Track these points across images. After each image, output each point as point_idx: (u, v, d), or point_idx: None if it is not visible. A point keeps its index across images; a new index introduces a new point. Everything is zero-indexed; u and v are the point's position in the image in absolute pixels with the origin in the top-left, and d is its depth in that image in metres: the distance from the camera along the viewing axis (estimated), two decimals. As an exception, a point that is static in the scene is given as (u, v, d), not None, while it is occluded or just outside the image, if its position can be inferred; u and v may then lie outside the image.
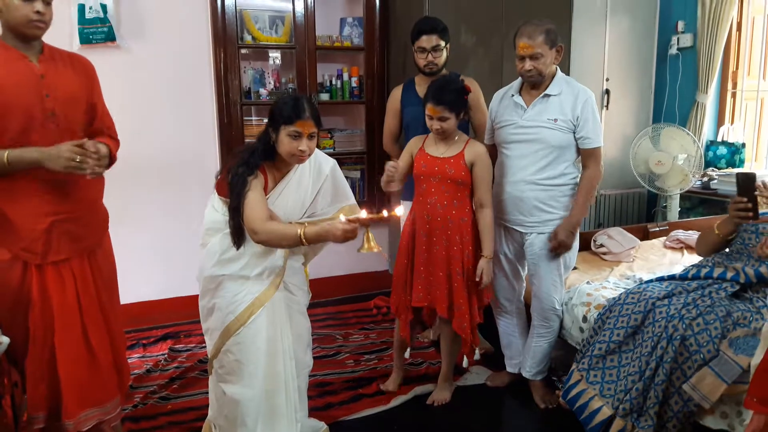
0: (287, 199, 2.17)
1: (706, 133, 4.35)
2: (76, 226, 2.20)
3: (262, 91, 3.84)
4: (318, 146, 3.88)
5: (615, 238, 3.43)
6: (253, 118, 3.89)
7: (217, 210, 2.15)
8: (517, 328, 2.92)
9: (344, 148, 4.08)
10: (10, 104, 2.01)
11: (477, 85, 3.06)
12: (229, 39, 3.62)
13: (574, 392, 2.44)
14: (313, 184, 2.23)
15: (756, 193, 2.13)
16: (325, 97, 3.96)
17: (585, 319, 2.68)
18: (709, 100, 4.22)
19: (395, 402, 2.81)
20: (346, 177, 4.06)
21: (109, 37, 3.36)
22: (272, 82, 3.90)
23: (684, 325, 2.18)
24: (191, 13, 3.59)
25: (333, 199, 2.29)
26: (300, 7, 3.73)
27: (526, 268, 2.80)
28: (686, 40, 4.33)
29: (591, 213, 4.37)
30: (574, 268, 2.98)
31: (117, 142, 2.36)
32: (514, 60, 2.55)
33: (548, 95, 2.54)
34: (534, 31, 2.45)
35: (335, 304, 4.01)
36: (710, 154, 4.34)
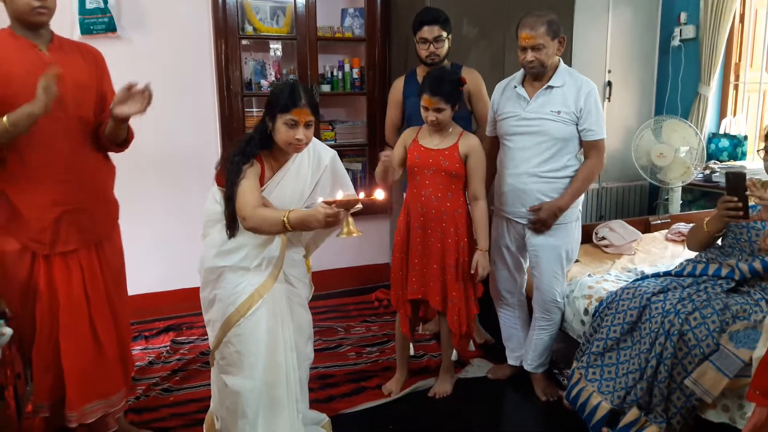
0: (285, 189, 2.16)
1: (708, 125, 4.34)
2: (84, 217, 2.20)
3: (264, 82, 3.82)
4: (319, 137, 3.90)
5: (617, 230, 3.42)
6: (254, 109, 3.88)
7: (216, 201, 2.15)
8: (519, 320, 2.92)
9: (346, 139, 4.07)
10: (20, 92, 2.02)
11: (479, 77, 3.05)
12: (230, 30, 3.61)
13: (575, 391, 2.45)
14: (312, 174, 2.22)
15: (747, 192, 2.11)
16: (326, 88, 3.95)
17: (586, 311, 2.68)
18: (711, 92, 4.21)
19: (396, 394, 2.82)
20: (348, 169, 4.08)
21: (110, 27, 3.35)
22: (273, 74, 3.88)
23: (680, 320, 2.18)
24: (192, 4, 3.57)
25: (332, 189, 2.27)
26: (301, -2, 3.71)
27: (528, 260, 2.80)
28: (689, 31, 4.31)
29: (593, 205, 4.37)
30: (576, 261, 2.97)
31: (131, 131, 2.36)
32: (516, 52, 2.54)
33: (551, 87, 2.53)
34: (536, 22, 2.43)
35: (337, 296, 4.02)
36: (712, 146, 4.33)
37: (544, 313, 2.76)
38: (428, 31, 2.89)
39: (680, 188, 3.98)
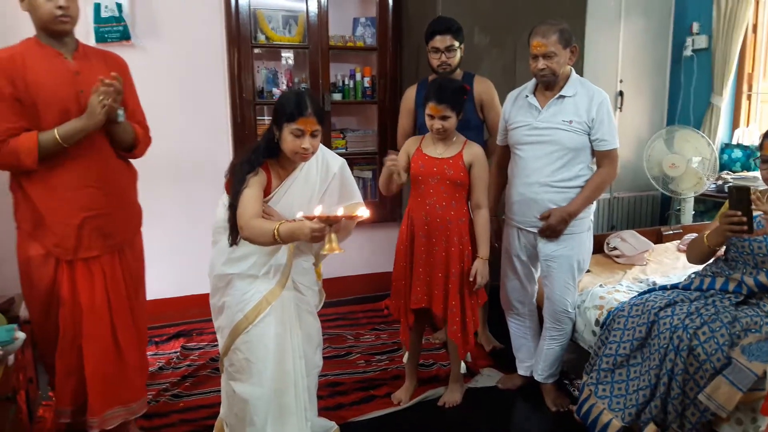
0: (293, 197, 2.16)
1: (721, 135, 4.32)
2: (107, 223, 2.23)
3: (275, 90, 3.85)
4: (330, 146, 3.91)
5: (628, 241, 3.41)
6: (266, 117, 3.90)
7: (226, 208, 2.15)
8: (530, 330, 2.91)
9: (356, 148, 4.08)
10: (48, 100, 2.06)
11: (492, 86, 3.05)
12: (242, 38, 3.64)
13: (585, 407, 2.43)
14: (321, 182, 2.22)
15: (753, 207, 2.09)
16: (337, 97, 3.97)
17: (597, 322, 2.66)
18: (724, 102, 4.19)
19: (406, 404, 2.80)
20: (358, 177, 4.10)
21: (125, 36, 3.38)
22: (285, 82, 3.90)
23: (688, 335, 2.16)
24: (205, 13, 3.60)
25: (340, 198, 2.28)
26: (313, 7, 3.73)
27: (539, 269, 2.79)
28: (701, 41, 4.29)
29: (604, 215, 4.35)
30: (587, 271, 2.96)
31: (149, 137, 2.38)
32: (528, 61, 2.54)
33: (563, 96, 2.53)
34: (548, 30, 2.44)
35: (346, 304, 4.02)
36: (725, 156, 4.30)
37: (555, 324, 2.75)
38: (440, 41, 2.90)
39: (692, 199, 3.96)
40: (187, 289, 3.74)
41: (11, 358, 2.05)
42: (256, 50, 3.78)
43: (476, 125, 3.04)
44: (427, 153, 2.59)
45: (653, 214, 4.51)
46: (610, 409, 2.34)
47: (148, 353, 3.21)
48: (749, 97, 4.31)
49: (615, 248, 3.41)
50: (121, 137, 2.24)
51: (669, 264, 3.29)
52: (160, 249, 3.65)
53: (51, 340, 2.25)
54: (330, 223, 1.80)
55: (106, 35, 3.35)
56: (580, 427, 2.52)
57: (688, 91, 4.42)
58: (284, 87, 3.88)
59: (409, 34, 3.88)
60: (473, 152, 2.55)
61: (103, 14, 3.34)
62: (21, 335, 2.08)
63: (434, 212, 2.57)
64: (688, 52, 4.38)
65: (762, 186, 2.22)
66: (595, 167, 2.61)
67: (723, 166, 4.26)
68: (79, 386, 2.25)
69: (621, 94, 4.25)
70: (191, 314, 3.67)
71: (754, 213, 2.10)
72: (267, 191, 2.12)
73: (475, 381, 3.01)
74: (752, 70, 4.28)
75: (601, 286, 2.92)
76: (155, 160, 3.31)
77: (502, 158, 2.81)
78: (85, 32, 3.29)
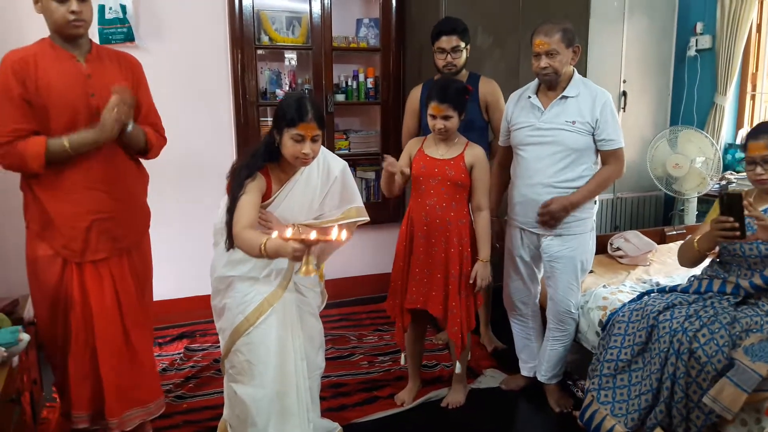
0: (294, 201, 2.16)
1: (725, 135, 4.30)
2: (116, 226, 2.24)
3: (279, 91, 3.85)
4: (333, 146, 3.91)
5: (632, 241, 3.40)
6: (269, 118, 3.90)
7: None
8: (533, 331, 2.90)
9: (360, 149, 4.08)
10: (57, 104, 2.07)
11: (497, 87, 3.05)
12: (246, 40, 3.64)
13: (588, 413, 2.42)
14: (322, 186, 2.22)
15: (746, 213, 2.08)
16: (340, 97, 3.97)
17: (601, 323, 2.66)
18: (727, 102, 4.18)
19: (409, 404, 2.80)
20: (361, 178, 4.11)
21: (128, 37, 3.39)
22: (288, 83, 3.91)
23: (688, 338, 2.15)
24: (209, 14, 3.61)
25: (340, 201, 2.28)
26: (317, 8, 3.74)
27: (542, 270, 2.79)
28: (705, 41, 4.28)
29: (607, 216, 4.34)
30: (590, 272, 2.95)
31: (163, 138, 2.39)
32: (531, 61, 2.53)
33: (566, 97, 2.52)
34: (551, 29, 2.44)
35: (349, 305, 4.02)
36: (728, 157, 4.29)
37: (559, 324, 2.75)
38: (446, 41, 2.89)
39: (696, 199, 3.94)
40: (191, 291, 3.75)
41: (15, 360, 2.06)
42: (260, 51, 3.78)
43: (480, 126, 3.03)
44: (429, 154, 2.59)
45: (656, 215, 4.49)
46: (613, 414, 2.33)
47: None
48: (753, 97, 4.30)
49: (618, 249, 3.40)
50: (132, 144, 2.25)
51: (672, 264, 3.28)
52: (163, 250, 3.65)
53: (58, 341, 2.25)
54: (307, 245, 1.74)
55: (110, 36, 3.36)
56: (583, 428, 2.52)
57: (691, 91, 4.41)
58: (287, 88, 3.89)
59: (413, 34, 3.88)
60: (475, 154, 2.55)
61: (107, 15, 3.35)
62: (25, 337, 2.09)
63: (434, 213, 2.57)
64: (691, 52, 4.37)
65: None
66: (598, 167, 2.60)
67: (726, 167, 4.24)
68: (95, 389, 2.25)
69: (624, 94, 4.24)
70: (194, 315, 3.68)
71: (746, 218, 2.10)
72: (267, 195, 2.11)
73: (478, 382, 3.01)
74: (756, 70, 4.26)
75: (604, 286, 2.91)
76: (158, 161, 3.32)
77: (504, 159, 2.81)
78: (89, 34, 3.29)
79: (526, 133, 2.60)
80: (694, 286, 2.42)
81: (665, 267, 3.25)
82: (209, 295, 2.27)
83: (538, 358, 2.88)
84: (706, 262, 2.48)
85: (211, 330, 3.44)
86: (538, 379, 2.86)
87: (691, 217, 3.97)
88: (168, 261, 3.69)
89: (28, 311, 2.53)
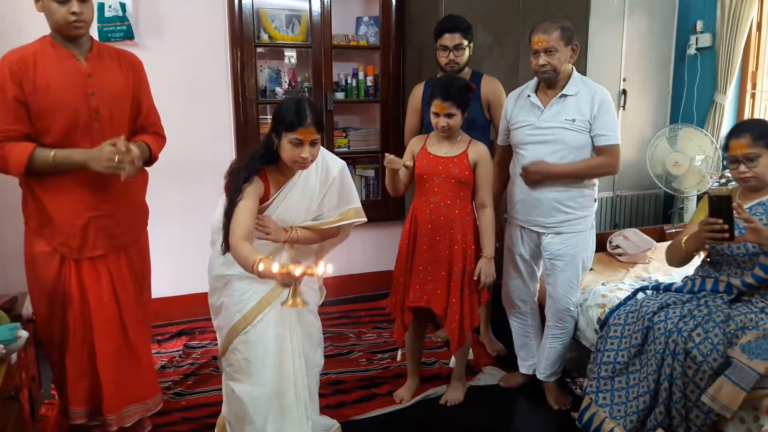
0: (292, 203, 2.15)
1: (725, 134, 4.29)
2: (113, 223, 2.24)
3: (278, 90, 3.85)
4: (333, 144, 3.91)
5: (631, 239, 3.40)
6: (269, 116, 3.90)
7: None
8: (532, 329, 2.91)
9: (359, 147, 4.08)
10: (57, 104, 2.07)
11: (500, 85, 3.04)
12: (245, 38, 3.64)
13: (587, 416, 2.42)
14: (320, 187, 2.20)
15: (735, 215, 2.09)
16: (340, 96, 3.97)
17: (599, 320, 2.66)
18: (727, 100, 4.17)
19: (408, 402, 2.81)
20: (361, 176, 4.11)
21: (128, 35, 3.39)
22: (288, 81, 3.91)
23: (683, 338, 2.15)
24: (209, 12, 3.61)
25: (339, 201, 2.26)
26: (316, 6, 3.74)
27: (542, 268, 2.79)
28: (705, 40, 4.27)
29: (607, 214, 4.34)
30: (590, 269, 2.96)
31: (162, 138, 2.40)
32: (530, 59, 2.53)
33: (565, 95, 2.52)
34: (549, 27, 2.44)
35: (348, 302, 4.02)
36: (728, 155, 4.29)
37: (558, 322, 2.75)
38: (449, 39, 2.89)
39: (695, 197, 3.94)
40: (190, 288, 3.75)
41: (14, 357, 2.06)
42: (259, 49, 3.78)
43: (482, 125, 3.02)
44: (432, 152, 2.59)
45: (656, 213, 4.49)
46: (612, 417, 2.33)
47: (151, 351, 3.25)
48: (753, 95, 4.29)
49: (618, 246, 3.41)
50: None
51: (672, 263, 3.28)
52: (163, 247, 3.66)
53: (56, 337, 2.26)
54: (293, 279, 1.70)
55: (109, 34, 3.36)
56: (582, 429, 2.52)
57: (691, 90, 4.40)
58: (287, 86, 3.89)
59: (412, 32, 3.88)
60: (478, 151, 2.55)
61: (107, 14, 3.35)
62: (24, 334, 2.09)
63: (438, 211, 2.57)
64: (691, 51, 4.36)
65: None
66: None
67: (726, 165, 4.24)
68: (93, 385, 2.26)
69: (624, 92, 4.24)
70: (193, 313, 3.68)
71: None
72: (265, 197, 2.11)
73: (477, 379, 3.01)
74: (756, 68, 4.26)
75: (603, 284, 2.92)
76: (158, 159, 3.33)
77: (503, 158, 2.81)
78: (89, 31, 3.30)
79: (526, 132, 2.60)
80: (688, 287, 2.42)
81: (664, 265, 3.22)
82: (208, 293, 2.27)
83: (537, 356, 2.88)
84: (697, 261, 2.48)
85: (210, 327, 3.43)
86: (537, 376, 2.86)
87: (690, 215, 3.97)
88: (167, 258, 3.70)
89: (27, 308, 2.53)
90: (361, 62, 4.10)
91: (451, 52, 2.90)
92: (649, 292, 2.57)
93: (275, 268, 1.70)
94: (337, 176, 2.23)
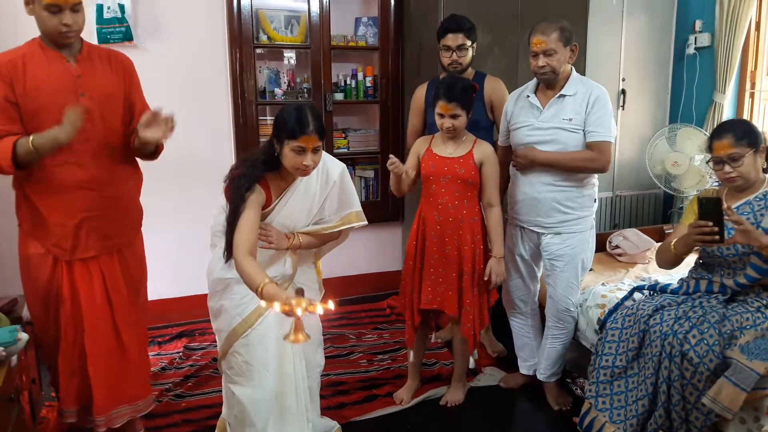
0: (293, 208, 2.15)
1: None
2: (106, 224, 2.24)
3: (277, 90, 3.85)
4: (332, 145, 3.91)
5: (630, 239, 3.40)
6: (268, 117, 3.90)
7: (225, 212, 2.12)
8: (532, 329, 2.91)
9: (358, 147, 4.08)
10: (47, 106, 2.06)
11: (503, 86, 3.02)
12: (244, 39, 3.64)
13: (587, 420, 2.42)
14: (321, 191, 2.20)
15: (725, 217, 2.09)
16: (339, 96, 3.97)
17: (599, 321, 2.66)
18: (726, 100, 4.17)
19: (408, 403, 2.81)
20: (360, 177, 4.10)
21: (127, 36, 3.39)
22: (287, 82, 3.91)
23: (678, 341, 2.15)
24: (207, 14, 3.61)
25: (339, 204, 2.26)
26: (315, 7, 3.73)
27: (542, 268, 2.79)
28: (704, 39, 4.27)
29: (607, 214, 4.34)
30: (590, 270, 2.96)
31: None
32: (529, 60, 2.53)
33: (563, 96, 2.52)
34: (548, 27, 2.43)
35: (348, 303, 4.02)
36: (728, 155, 4.28)
37: (558, 323, 2.75)
38: (452, 39, 2.87)
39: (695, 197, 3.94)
40: (190, 290, 3.75)
41: (14, 359, 2.06)
42: (258, 50, 3.78)
43: (486, 126, 3.00)
44: (438, 152, 2.59)
45: (656, 213, 4.49)
46: (612, 421, 2.33)
47: (150, 353, 3.23)
48: (752, 94, 4.29)
49: (617, 246, 3.41)
50: (148, 148, 2.25)
51: (671, 262, 3.29)
52: (163, 249, 3.66)
53: (51, 339, 2.26)
54: (296, 317, 1.70)
55: (108, 36, 3.36)
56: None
57: (690, 89, 4.40)
58: (286, 87, 3.89)
59: (411, 33, 3.87)
60: (483, 150, 2.55)
61: (106, 15, 3.35)
62: (24, 336, 2.09)
63: (446, 211, 2.57)
64: (690, 50, 4.36)
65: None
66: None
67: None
68: (84, 386, 2.26)
69: (623, 92, 4.24)
70: (194, 314, 3.67)
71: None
72: (267, 204, 2.10)
73: (477, 380, 3.01)
74: (755, 67, 4.26)
75: (603, 284, 2.92)
76: (157, 161, 3.33)
77: (503, 158, 2.80)
78: (87, 33, 3.25)
79: (525, 133, 2.60)
80: (683, 289, 2.43)
81: (664, 265, 3.25)
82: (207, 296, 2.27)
83: (537, 357, 2.88)
84: (691, 262, 2.48)
85: (210, 329, 3.40)
86: (537, 377, 2.86)
87: (690, 215, 3.97)
88: (167, 260, 3.70)
89: (27, 311, 2.53)
90: (360, 63, 4.09)
91: (454, 53, 2.89)
92: (645, 292, 2.58)
93: (277, 307, 1.69)
94: (338, 180, 2.23)
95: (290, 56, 3.97)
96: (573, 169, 2.53)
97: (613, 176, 4.27)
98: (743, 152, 2.17)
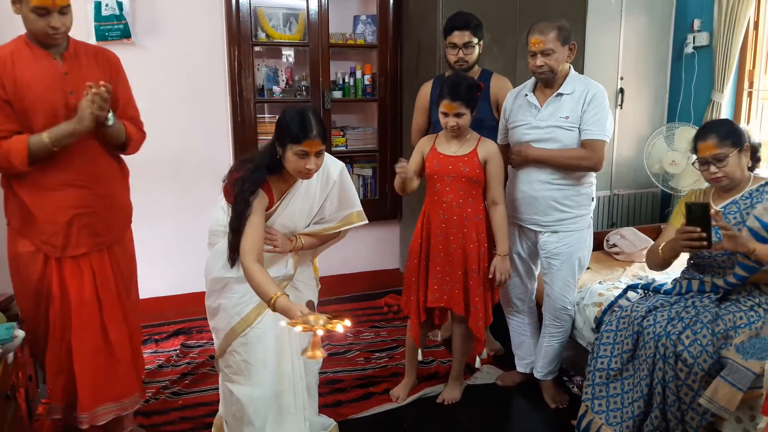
0: (294, 209, 2.15)
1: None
2: (96, 221, 2.23)
3: (276, 88, 3.85)
4: (330, 144, 3.91)
5: (628, 238, 3.41)
6: (266, 115, 3.90)
7: (224, 211, 2.13)
8: (529, 327, 2.91)
9: (357, 145, 4.08)
10: (36, 103, 2.06)
11: (509, 84, 3.00)
12: (243, 36, 3.64)
13: (584, 423, 2.43)
14: (321, 191, 2.20)
15: (713, 223, 2.10)
16: (338, 94, 3.97)
17: (596, 319, 2.67)
18: (724, 99, 4.17)
19: (404, 400, 2.81)
20: (359, 175, 4.10)
21: (125, 34, 3.39)
22: (286, 80, 3.91)
23: (672, 342, 2.16)
24: (206, 11, 3.61)
25: (339, 204, 2.26)
26: (314, 5, 3.73)
27: (539, 266, 2.79)
28: (702, 38, 4.27)
29: (604, 212, 4.35)
30: (587, 268, 2.96)
31: (141, 133, 2.36)
32: (528, 59, 2.53)
33: (561, 94, 2.52)
34: (546, 27, 2.43)
35: (346, 301, 4.02)
36: (726, 154, 4.29)
37: (555, 321, 2.75)
38: (458, 37, 2.85)
39: (693, 196, 3.95)
40: (187, 287, 3.75)
41: (11, 356, 2.06)
42: (257, 48, 3.78)
43: (490, 125, 2.95)
44: (442, 151, 2.59)
45: (653, 212, 4.50)
46: (608, 423, 2.34)
47: (147, 351, 3.25)
48: (750, 94, 4.29)
49: (614, 245, 3.41)
50: (112, 138, 2.22)
51: (669, 261, 3.29)
52: (160, 247, 3.67)
53: (42, 336, 2.26)
54: (314, 333, 1.73)
55: (106, 33, 3.35)
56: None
57: (688, 88, 4.40)
58: (284, 85, 3.88)
59: (410, 31, 3.87)
60: (488, 149, 2.55)
61: (104, 12, 3.35)
62: (20, 333, 2.09)
63: (451, 210, 2.57)
64: (689, 49, 4.36)
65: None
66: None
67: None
68: (70, 383, 2.25)
69: (622, 91, 4.24)
70: (191, 312, 3.67)
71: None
72: (269, 206, 2.10)
73: (474, 378, 3.01)
74: (753, 67, 4.26)
75: (600, 283, 2.92)
76: (155, 159, 3.33)
77: (502, 156, 2.80)
78: (85, 31, 3.29)
79: (523, 131, 2.60)
80: (676, 289, 2.43)
81: (661, 264, 3.25)
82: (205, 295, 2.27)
83: (534, 355, 2.88)
84: (684, 261, 2.49)
85: (207, 327, 3.39)
86: (534, 375, 2.86)
87: (687, 214, 3.97)
88: (165, 258, 3.70)
89: (21, 308, 2.53)
90: (358, 61, 4.09)
91: (461, 50, 2.86)
92: (640, 291, 2.58)
93: (299, 328, 1.73)
94: (337, 179, 2.23)
95: (289, 54, 3.96)
96: (565, 166, 2.53)
97: (610, 175, 4.27)
98: (728, 152, 2.18)
